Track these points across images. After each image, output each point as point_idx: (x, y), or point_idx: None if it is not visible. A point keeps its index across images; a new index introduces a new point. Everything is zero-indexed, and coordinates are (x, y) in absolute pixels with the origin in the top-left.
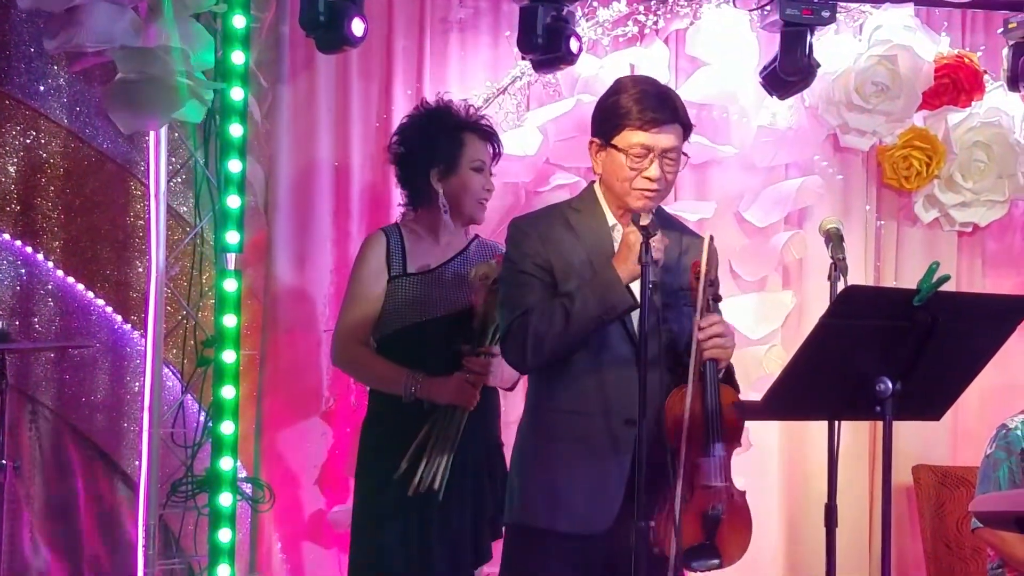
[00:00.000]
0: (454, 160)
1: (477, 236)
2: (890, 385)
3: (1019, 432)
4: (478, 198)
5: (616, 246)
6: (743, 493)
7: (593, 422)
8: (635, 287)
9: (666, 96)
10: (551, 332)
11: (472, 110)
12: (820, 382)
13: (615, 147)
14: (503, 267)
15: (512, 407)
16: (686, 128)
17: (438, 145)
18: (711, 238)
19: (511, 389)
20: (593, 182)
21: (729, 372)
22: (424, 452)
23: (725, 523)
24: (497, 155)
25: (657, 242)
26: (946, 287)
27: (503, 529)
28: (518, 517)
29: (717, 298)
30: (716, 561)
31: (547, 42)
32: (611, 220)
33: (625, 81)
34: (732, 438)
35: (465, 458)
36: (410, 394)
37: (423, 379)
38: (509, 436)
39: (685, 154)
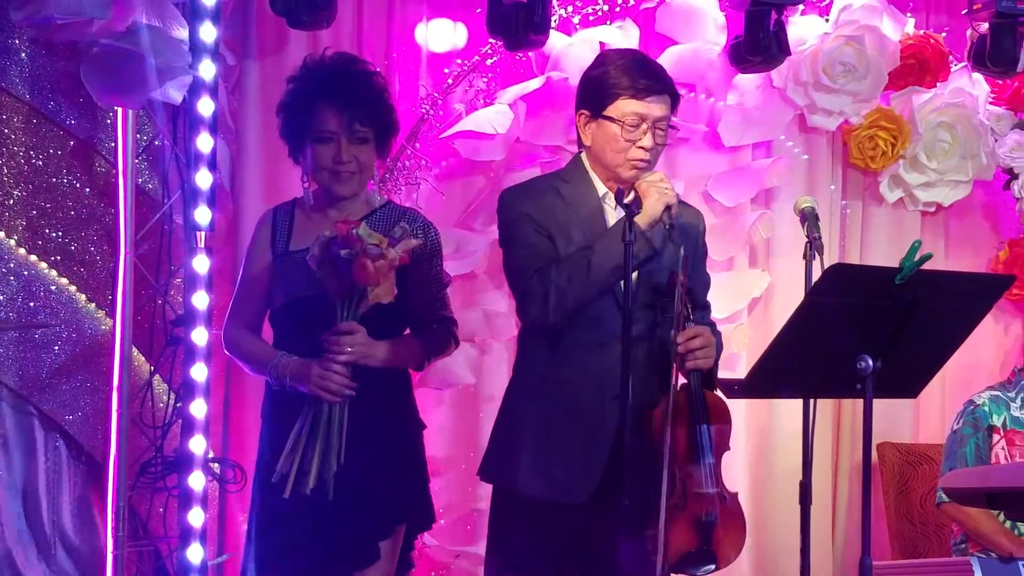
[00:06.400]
0: (301, 133)
1: (390, 202)
2: (871, 363)
3: (987, 408)
4: (329, 170)
5: (607, 215)
6: (735, 495)
7: (583, 395)
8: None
9: (655, 66)
10: (573, 284)
11: (345, 68)
12: (802, 360)
13: (608, 118)
14: (505, 232)
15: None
16: (674, 98)
17: (290, 118)
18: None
19: (419, 370)
20: (578, 154)
21: (709, 374)
22: (296, 449)
23: (719, 527)
24: (360, 119)
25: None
26: None
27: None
28: (499, 479)
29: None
30: (711, 566)
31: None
32: (601, 190)
33: (611, 53)
34: (720, 444)
35: (354, 453)
36: (276, 379)
37: (288, 361)
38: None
39: (673, 126)
